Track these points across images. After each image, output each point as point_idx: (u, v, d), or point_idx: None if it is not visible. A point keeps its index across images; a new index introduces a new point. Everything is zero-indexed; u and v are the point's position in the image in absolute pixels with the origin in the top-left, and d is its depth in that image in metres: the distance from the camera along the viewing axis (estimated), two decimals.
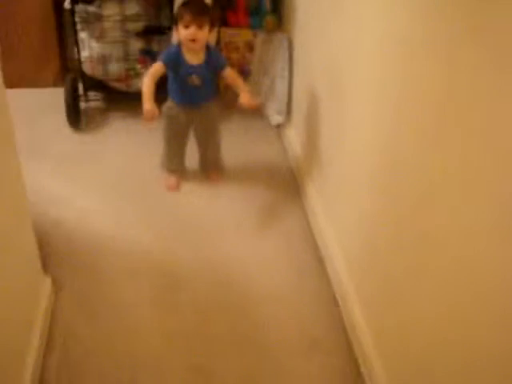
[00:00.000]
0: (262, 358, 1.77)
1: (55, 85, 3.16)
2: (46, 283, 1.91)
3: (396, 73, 1.43)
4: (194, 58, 2.32)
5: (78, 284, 2.01)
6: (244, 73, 3.03)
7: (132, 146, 2.81)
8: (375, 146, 1.59)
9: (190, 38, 2.23)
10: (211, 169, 2.63)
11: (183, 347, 1.80)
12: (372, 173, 1.63)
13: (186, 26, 2.22)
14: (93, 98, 3.05)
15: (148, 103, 2.23)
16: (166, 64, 2.31)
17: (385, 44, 1.50)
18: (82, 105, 2.99)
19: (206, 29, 2.25)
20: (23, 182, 1.72)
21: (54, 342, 1.78)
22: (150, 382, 1.68)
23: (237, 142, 2.83)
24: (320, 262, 2.13)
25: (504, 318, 0.97)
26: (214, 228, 2.31)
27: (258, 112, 2.99)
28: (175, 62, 2.32)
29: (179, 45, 2.32)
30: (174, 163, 2.57)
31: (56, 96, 2.97)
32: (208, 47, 2.35)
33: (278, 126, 2.96)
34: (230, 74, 2.41)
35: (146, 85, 2.27)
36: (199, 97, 2.42)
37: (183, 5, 2.28)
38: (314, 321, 1.90)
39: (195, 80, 2.34)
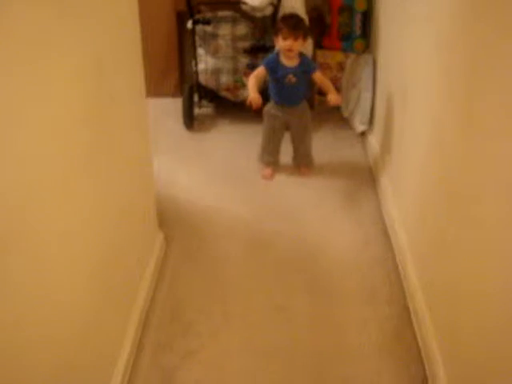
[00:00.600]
0: (328, 302, 2.16)
1: (174, 95, 3.74)
2: (160, 236, 2.40)
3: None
4: (289, 62, 2.80)
5: (185, 240, 2.50)
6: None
7: (235, 145, 3.32)
8: (426, 143, 1.98)
9: (287, 49, 2.73)
10: (302, 163, 3.06)
11: (267, 290, 2.22)
12: (424, 159, 2.01)
13: (284, 38, 2.71)
14: (205, 106, 3.61)
15: (253, 92, 2.74)
16: (267, 67, 2.82)
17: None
18: (196, 111, 3.55)
19: (301, 40, 2.72)
20: (152, 166, 2.26)
21: (162, 282, 2.24)
22: (239, 316, 2.10)
23: (326, 147, 3.27)
24: (385, 235, 2.51)
25: None
26: (298, 207, 2.75)
27: (345, 123, 3.44)
28: (274, 65, 2.81)
29: (277, 53, 2.82)
30: (270, 156, 3.04)
31: (174, 104, 3.56)
32: (301, 54, 2.83)
33: (363, 134, 3.37)
34: (319, 76, 2.88)
35: (251, 82, 2.79)
36: (295, 97, 2.89)
37: (282, 20, 2.80)
38: (374, 276, 2.28)
39: (292, 79, 2.80)
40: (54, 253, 1.24)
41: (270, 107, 2.95)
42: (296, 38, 2.70)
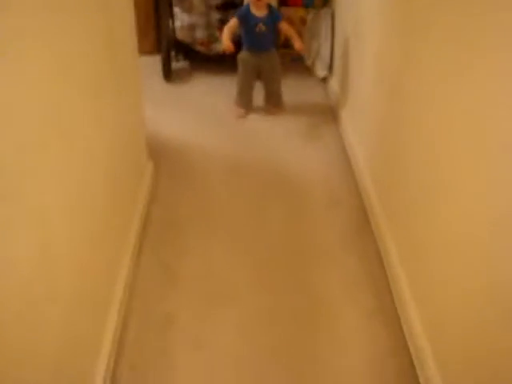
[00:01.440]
0: (300, 207, 2.58)
1: (152, 52, 4.08)
2: (149, 164, 2.77)
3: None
4: (259, 12, 3.22)
5: (171, 168, 2.87)
6: None
7: (211, 93, 3.70)
8: (377, 77, 2.40)
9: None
10: (272, 102, 3.46)
11: (246, 203, 2.62)
12: (372, 88, 2.43)
13: None
14: (182, 59, 3.98)
15: (226, 41, 3.18)
16: (239, 18, 3.22)
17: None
18: (174, 65, 3.91)
19: None
20: (142, 108, 2.67)
21: (155, 201, 2.62)
22: (222, 223, 2.49)
23: (292, 92, 3.65)
24: (346, 159, 2.93)
25: None
26: (269, 139, 3.16)
27: (308, 71, 3.84)
28: (245, 16, 3.22)
29: (248, 4, 3.21)
30: (244, 98, 3.43)
31: (153, 60, 3.92)
32: (269, 5, 3.26)
33: (324, 79, 3.77)
34: (285, 25, 3.33)
35: (225, 32, 3.22)
36: (265, 42, 3.29)
37: None
38: (339, 189, 2.71)
39: (262, 27, 3.20)
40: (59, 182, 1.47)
41: (243, 54, 3.34)
42: None
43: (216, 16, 3.74)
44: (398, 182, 2.08)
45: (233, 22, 3.24)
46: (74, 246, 1.52)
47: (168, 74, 3.79)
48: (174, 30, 3.75)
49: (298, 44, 3.23)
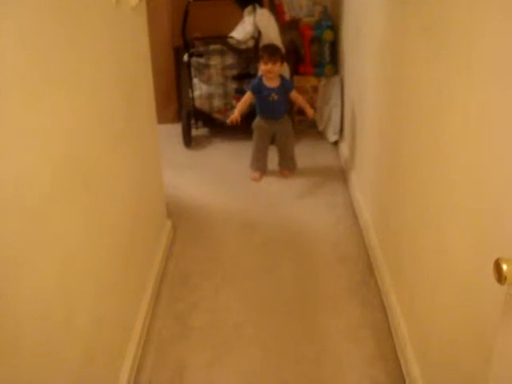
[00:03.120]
0: (308, 263, 2.71)
1: (173, 121, 4.33)
2: (168, 224, 2.95)
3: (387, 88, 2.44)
4: (271, 83, 3.45)
5: (188, 227, 3.05)
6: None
7: (228, 157, 3.91)
8: (378, 142, 2.58)
9: (267, 71, 3.37)
10: (286, 166, 3.64)
11: (257, 258, 2.76)
12: (377, 152, 2.61)
13: (265, 63, 3.35)
14: (201, 127, 4.21)
15: (236, 112, 3.46)
16: (252, 90, 3.48)
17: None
18: (193, 132, 4.14)
19: (279, 63, 3.38)
20: (161, 173, 2.87)
21: (171, 257, 2.79)
22: (234, 278, 2.63)
23: (305, 155, 3.84)
24: (353, 215, 3.07)
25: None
26: (281, 199, 3.33)
27: (321, 136, 4.05)
28: (258, 87, 3.46)
29: (260, 77, 3.45)
30: (259, 162, 3.63)
31: (174, 129, 4.16)
32: (281, 76, 3.49)
33: (335, 143, 3.96)
34: (295, 94, 3.56)
35: (239, 105, 3.51)
36: (278, 110, 3.52)
37: (262, 48, 3.44)
38: (345, 245, 2.84)
39: (274, 96, 3.43)
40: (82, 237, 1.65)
41: (257, 121, 3.58)
42: (275, 62, 3.35)
43: (232, 86, 3.98)
44: (398, 237, 2.21)
45: (247, 96, 3.50)
46: (93, 291, 1.67)
47: (188, 141, 4.01)
48: (193, 100, 3.99)
49: (308, 111, 3.47)
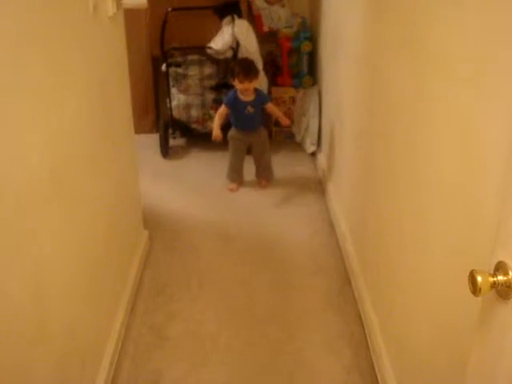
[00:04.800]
0: (285, 274, 2.71)
1: (151, 131, 4.30)
2: (145, 234, 2.93)
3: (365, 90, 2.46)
4: (247, 97, 3.42)
5: (165, 237, 3.04)
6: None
7: (205, 167, 3.89)
8: (355, 154, 2.60)
9: (244, 89, 3.36)
10: (263, 176, 3.62)
11: (234, 269, 2.75)
12: (355, 171, 2.62)
13: (241, 82, 3.32)
14: (178, 137, 4.19)
15: (216, 130, 3.46)
16: (228, 105, 3.46)
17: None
18: (171, 142, 4.12)
19: (255, 80, 3.35)
20: (138, 182, 2.83)
21: (148, 267, 2.77)
22: (210, 288, 2.62)
23: (282, 167, 3.84)
24: (330, 226, 3.08)
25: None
26: (258, 210, 3.32)
27: (299, 147, 4.06)
28: (233, 102, 3.44)
29: (235, 90, 3.44)
30: (235, 174, 3.60)
31: (152, 139, 4.14)
32: (256, 89, 3.45)
33: (313, 154, 3.97)
34: (270, 106, 3.56)
35: (216, 121, 3.49)
36: (253, 123, 3.49)
37: (237, 64, 3.43)
38: (322, 255, 2.85)
39: (250, 109, 3.40)
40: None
41: (233, 132, 3.55)
42: (251, 80, 3.32)
43: (210, 96, 3.96)
44: (375, 249, 2.22)
45: (223, 110, 3.47)
46: (66, 302, 1.65)
47: (165, 151, 3.99)
48: (171, 110, 3.97)
49: (283, 121, 3.49)
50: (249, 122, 3.49)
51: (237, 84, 3.35)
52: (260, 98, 3.46)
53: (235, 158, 3.58)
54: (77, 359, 1.74)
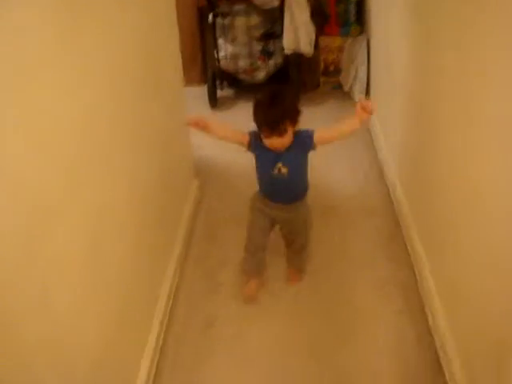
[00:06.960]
0: (338, 218, 2.77)
1: (199, 83, 4.31)
2: (195, 182, 2.99)
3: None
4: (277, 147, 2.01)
5: (215, 185, 3.12)
6: (338, 70, 4.11)
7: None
8: (406, 95, 2.57)
9: (271, 144, 1.98)
10: (292, 265, 2.38)
11: None
12: (401, 106, 2.60)
13: (267, 137, 1.96)
14: (226, 87, 4.22)
15: (197, 118, 2.12)
16: (250, 143, 2.07)
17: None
18: (218, 93, 4.15)
19: (290, 131, 1.95)
20: (188, 133, 2.86)
21: (200, 212, 2.86)
22: None
23: (331, 115, 3.77)
24: (380, 173, 3.10)
25: None
26: None
27: (346, 96, 4.04)
28: (257, 147, 2.06)
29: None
30: (253, 264, 2.30)
31: (200, 91, 4.16)
32: (295, 132, 2.00)
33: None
34: (321, 135, 2.03)
35: (222, 127, 2.21)
36: (288, 193, 2.13)
37: (258, 108, 1.98)
38: (373, 198, 2.91)
39: (282, 169, 2.03)
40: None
41: (256, 197, 2.24)
42: (281, 134, 1.94)
43: (257, 46, 3.94)
44: (427, 194, 2.23)
45: (239, 134, 2.13)
46: (120, 256, 1.72)
47: (214, 102, 4.03)
48: (218, 61, 3.98)
49: (362, 114, 2.05)
50: (279, 189, 2.12)
51: (263, 139, 2.00)
52: (300, 144, 2.02)
53: (254, 237, 2.24)
54: (133, 302, 1.83)
